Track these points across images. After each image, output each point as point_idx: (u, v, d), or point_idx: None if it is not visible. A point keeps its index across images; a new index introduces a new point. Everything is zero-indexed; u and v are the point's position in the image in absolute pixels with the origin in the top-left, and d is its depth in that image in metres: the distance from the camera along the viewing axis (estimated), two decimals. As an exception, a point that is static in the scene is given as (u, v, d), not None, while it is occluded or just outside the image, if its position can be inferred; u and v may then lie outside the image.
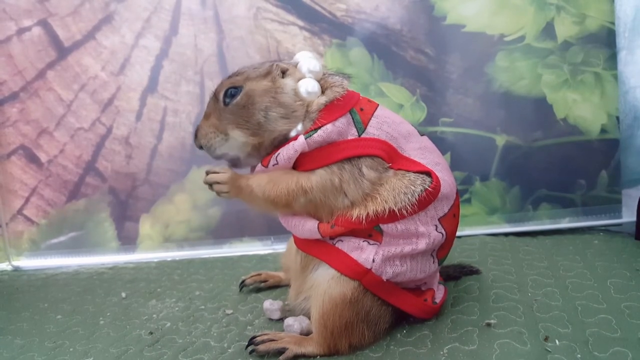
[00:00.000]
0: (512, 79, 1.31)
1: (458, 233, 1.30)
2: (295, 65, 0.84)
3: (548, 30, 1.28)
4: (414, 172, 0.77)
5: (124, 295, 1.15)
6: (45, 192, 1.48)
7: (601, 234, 1.26)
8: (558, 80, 1.30)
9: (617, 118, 1.29)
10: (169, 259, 1.43)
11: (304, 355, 0.77)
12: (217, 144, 0.82)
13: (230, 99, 0.81)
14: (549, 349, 0.70)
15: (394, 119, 0.82)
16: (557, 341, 0.72)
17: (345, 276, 0.76)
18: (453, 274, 1.00)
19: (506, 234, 1.30)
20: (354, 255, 0.77)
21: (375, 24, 1.34)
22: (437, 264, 0.81)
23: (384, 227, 0.76)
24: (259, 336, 0.81)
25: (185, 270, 1.30)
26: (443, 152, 1.32)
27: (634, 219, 1.21)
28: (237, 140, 0.81)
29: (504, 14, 1.29)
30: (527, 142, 1.32)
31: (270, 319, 0.93)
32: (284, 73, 0.83)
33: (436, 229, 0.77)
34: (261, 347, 0.79)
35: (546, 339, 0.73)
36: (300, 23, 1.36)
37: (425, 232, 0.76)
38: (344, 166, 0.77)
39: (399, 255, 0.76)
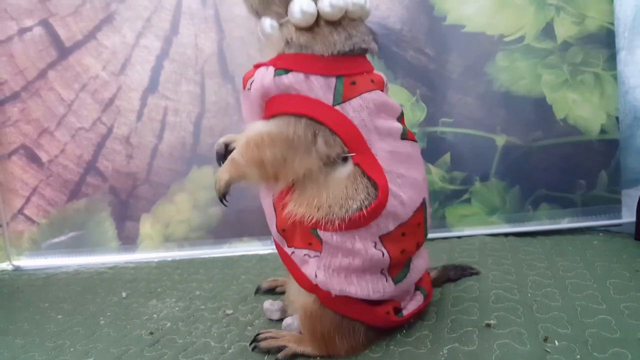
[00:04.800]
0: (512, 79, 1.31)
1: (458, 233, 1.34)
2: None
3: (548, 31, 1.28)
4: (367, 179, 0.70)
5: (124, 295, 1.15)
6: (46, 192, 1.48)
7: (601, 234, 1.26)
8: (558, 80, 1.30)
9: (617, 118, 1.29)
10: (169, 259, 1.43)
11: (302, 355, 0.78)
12: None
13: None
14: (548, 350, 0.71)
15: (380, 109, 0.73)
16: (556, 342, 0.73)
17: (303, 289, 0.75)
18: (454, 277, 0.99)
19: (506, 234, 1.30)
20: (303, 269, 0.75)
21: (375, 23, 1.34)
22: (394, 283, 0.75)
23: (321, 234, 0.72)
24: (262, 333, 0.82)
25: (185, 270, 1.30)
26: (443, 152, 1.35)
27: (634, 219, 1.21)
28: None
29: (504, 14, 1.29)
30: (527, 142, 1.32)
31: (270, 320, 0.93)
32: None
33: (375, 246, 0.72)
34: (263, 344, 0.80)
35: (546, 339, 0.73)
36: (301, 23, 1.36)
37: (362, 248, 0.71)
38: (301, 121, 0.69)
39: (341, 269, 0.72)
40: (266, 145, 0.72)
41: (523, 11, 1.28)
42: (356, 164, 0.71)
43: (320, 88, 0.70)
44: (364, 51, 0.76)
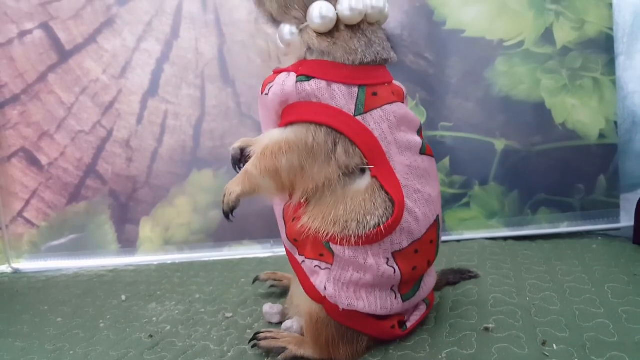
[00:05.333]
0: (512, 83, 1.32)
1: (457, 237, 1.34)
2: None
3: (547, 36, 1.29)
4: (385, 192, 0.69)
5: (124, 298, 1.15)
6: (46, 195, 1.48)
7: (599, 238, 1.26)
8: (557, 85, 1.31)
9: (616, 123, 1.29)
10: (169, 262, 1.43)
11: (302, 357, 0.78)
12: None
13: None
14: (546, 354, 0.71)
15: (400, 122, 0.72)
16: (555, 345, 0.73)
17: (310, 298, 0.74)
18: (453, 280, 1.00)
19: (505, 238, 1.30)
20: (312, 279, 0.74)
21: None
22: (402, 300, 0.75)
23: (333, 247, 0.71)
24: (262, 332, 0.82)
25: (185, 273, 1.30)
26: (442, 156, 1.35)
27: (632, 223, 1.21)
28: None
29: (503, 19, 1.30)
30: (526, 146, 1.33)
31: (270, 323, 0.93)
32: None
33: (387, 263, 0.71)
34: (263, 343, 0.80)
35: (544, 343, 0.74)
36: (301, 27, 1.36)
37: (374, 264, 0.70)
38: (322, 129, 0.68)
39: (351, 283, 0.71)
40: (283, 153, 0.70)
41: (522, 16, 1.29)
42: (374, 177, 0.70)
43: (342, 97, 0.69)
44: (385, 61, 0.75)
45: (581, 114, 1.30)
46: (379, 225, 0.69)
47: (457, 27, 1.32)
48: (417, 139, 0.76)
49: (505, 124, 1.33)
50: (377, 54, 0.73)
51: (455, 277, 1.01)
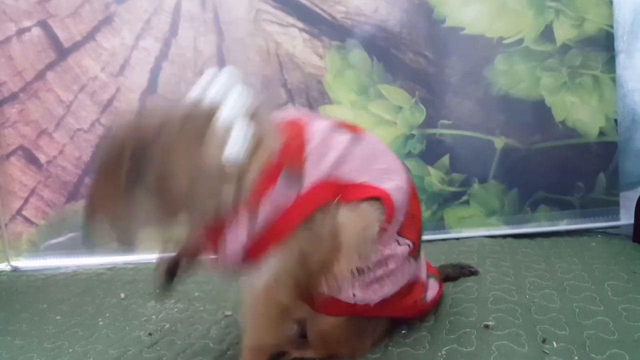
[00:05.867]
0: (511, 82, 1.32)
1: (456, 235, 1.34)
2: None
3: (547, 34, 1.29)
4: (365, 201, 0.68)
5: (123, 296, 1.15)
6: (45, 193, 1.48)
7: (599, 236, 1.26)
8: (557, 83, 1.30)
9: (615, 121, 1.29)
10: (168, 260, 1.43)
11: (303, 359, 0.77)
12: None
13: None
14: (546, 351, 0.71)
15: (335, 148, 0.68)
16: (554, 343, 0.73)
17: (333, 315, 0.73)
18: (452, 275, 1.00)
19: (504, 236, 1.30)
20: (338, 297, 0.72)
21: (374, 26, 1.34)
22: (416, 260, 0.77)
23: None
24: None
25: (184, 272, 1.30)
26: (442, 154, 1.35)
27: (632, 221, 1.21)
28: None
29: (503, 17, 1.30)
30: (525, 144, 1.33)
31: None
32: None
33: (399, 244, 0.72)
34: None
35: (544, 341, 0.73)
36: (300, 25, 1.36)
37: (391, 252, 0.71)
38: (300, 236, 0.64)
39: (377, 279, 0.72)
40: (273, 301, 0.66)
41: (522, 14, 1.29)
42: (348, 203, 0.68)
43: (282, 193, 0.65)
44: None
45: (581, 112, 1.30)
46: (380, 229, 0.69)
47: (457, 25, 1.31)
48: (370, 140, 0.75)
49: (505, 122, 1.33)
50: None
51: (454, 271, 1.01)
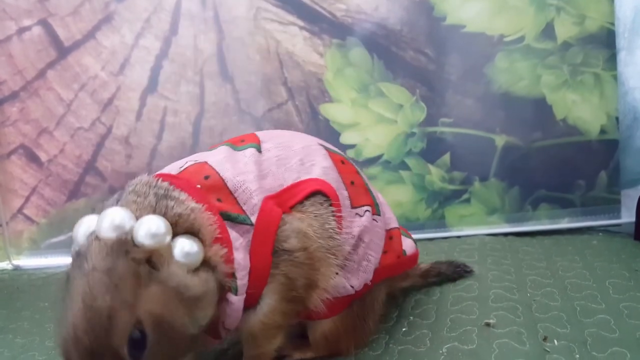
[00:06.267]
0: (512, 79, 1.32)
1: (457, 233, 1.34)
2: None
3: (548, 31, 1.28)
4: (306, 199, 0.66)
5: (123, 294, 1.15)
6: (46, 192, 1.48)
7: (600, 234, 1.26)
8: (558, 81, 1.30)
9: (617, 119, 1.29)
10: (168, 259, 1.43)
11: None
12: None
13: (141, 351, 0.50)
14: (547, 349, 0.71)
15: (248, 169, 0.64)
16: (555, 341, 0.72)
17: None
18: (446, 272, 0.99)
19: (505, 234, 1.30)
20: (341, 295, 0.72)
21: (375, 24, 1.34)
22: (380, 214, 0.76)
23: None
24: None
25: (185, 270, 1.30)
26: (442, 153, 1.35)
27: (633, 219, 1.21)
28: None
29: (504, 15, 1.29)
30: (526, 142, 1.32)
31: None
32: (150, 262, 0.53)
33: (360, 216, 0.72)
34: None
35: (545, 339, 0.73)
36: (300, 23, 1.36)
37: (360, 229, 0.71)
38: (276, 262, 0.62)
39: (362, 259, 0.72)
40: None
41: (523, 12, 1.29)
42: (289, 211, 0.65)
43: (238, 234, 0.62)
44: None
45: (582, 110, 1.30)
46: (334, 214, 0.69)
47: (457, 22, 1.31)
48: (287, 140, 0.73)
49: (506, 120, 1.32)
50: None
51: (448, 268, 0.99)
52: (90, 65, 1.43)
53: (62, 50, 1.43)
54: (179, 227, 0.56)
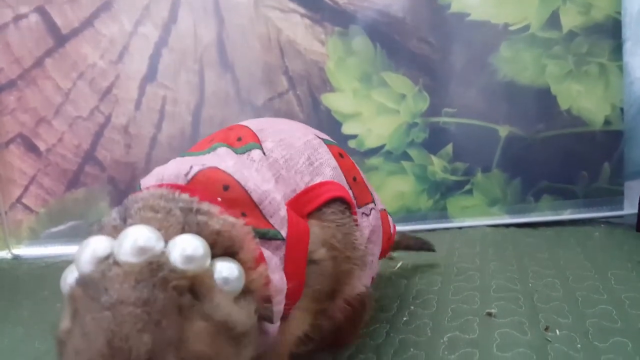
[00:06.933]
0: (516, 69, 1.30)
1: (459, 224, 1.33)
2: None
3: (553, 20, 1.27)
4: (325, 208, 0.61)
5: (123, 284, 1.15)
6: (44, 181, 1.47)
7: (602, 225, 1.26)
8: (562, 71, 1.29)
9: (622, 109, 1.28)
10: (168, 249, 1.42)
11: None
12: None
13: None
14: (549, 339, 0.70)
15: (262, 174, 0.57)
16: (557, 331, 0.72)
17: None
18: (413, 246, 1.03)
19: (507, 225, 1.30)
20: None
21: (377, 12, 1.32)
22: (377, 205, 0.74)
23: None
24: None
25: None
26: (445, 143, 1.34)
27: (636, 211, 1.21)
28: None
29: (509, 3, 1.28)
30: (530, 133, 1.31)
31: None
32: (194, 292, 0.43)
33: (367, 215, 0.69)
34: None
35: (546, 328, 0.73)
36: (302, 11, 1.34)
37: (370, 229, 0.69)
38: (310, 268, 0.57)
39: (372, 254, 0.71)
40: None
41: (528, 0, 1.27)
42: (310, 215, 0.60)
43: (272, 256, 0.55)
44: None
45: (586, 101, 1.29)
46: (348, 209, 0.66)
47: (462, 10, 1.29)
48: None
49: (510, 111, 1.31)
50: None
51: (415, 243, 1.03)
52: (88, 54, 1.41)
53: (60, 38, 1.41)
54: (217, 248, 0.46)
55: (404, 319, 0.81)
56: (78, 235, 1.48)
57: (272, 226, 0.53)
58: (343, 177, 0.67)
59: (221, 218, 0.48)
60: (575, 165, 1.31)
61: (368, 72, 1.34)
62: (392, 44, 1.33)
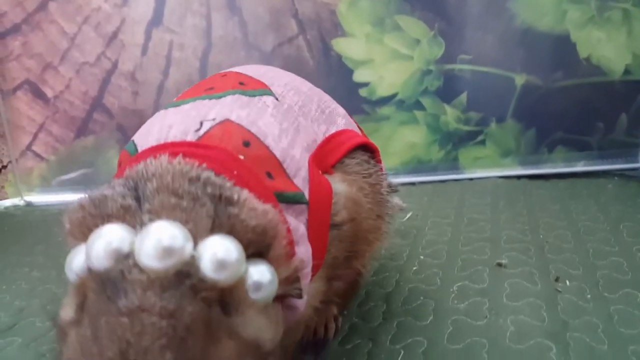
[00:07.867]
0: (536, 15, 1.24)
1: (470, 175, 1.32)
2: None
3: (578, -39, 1.19)
4: (349, 159, 0.56)
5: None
6: (53, 128, 1.47)
7: (616, 178, 1.24)
8: (584, 17, 1.23)
9: (644, 58, 1.22)
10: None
11: None
12: None
13: None
14: (559, 289, 0.71)
15: (286, 127, 0.49)
16: (567, 282, 0.73)
17: None
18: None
19: (519, 177, 1.28)
20: None
21: (393, -49, 1.25)
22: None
23: None
24: None
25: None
26: (459, 92, 1.30)
27: (651, 163, 1.19)
28: None
29: (532, -59, 1.20)
30: (547, 82, 1.27)
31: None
32: (223, 303, 0.35)
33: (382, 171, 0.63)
34: None
35: (557, 279, 0.73)
36: (313, -51, 1.27)
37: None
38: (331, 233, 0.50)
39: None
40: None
41: (553, -62, 1.19)
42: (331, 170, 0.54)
43: (296, 223, 0.48)
44: None
45: (607, 49, 1.23)
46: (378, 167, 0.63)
47: (482, -50, 1.22)
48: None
49: (527, 58, 1.26)
50: None
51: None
52: (92, -4, 1.36)
53: (62, -21, 1.36)
54: (250, 248, 0.38)
55: (414, 268, 0.82)
56: (89, 182, 1.49)
57: (298, 188, 0.46)
58: (355, 125, 0.64)
59: (253, 208, 0.39)
60: (591, 116, 1.28)
61: (381, 16, 1.28)
62: (407, -15, 1.26)
